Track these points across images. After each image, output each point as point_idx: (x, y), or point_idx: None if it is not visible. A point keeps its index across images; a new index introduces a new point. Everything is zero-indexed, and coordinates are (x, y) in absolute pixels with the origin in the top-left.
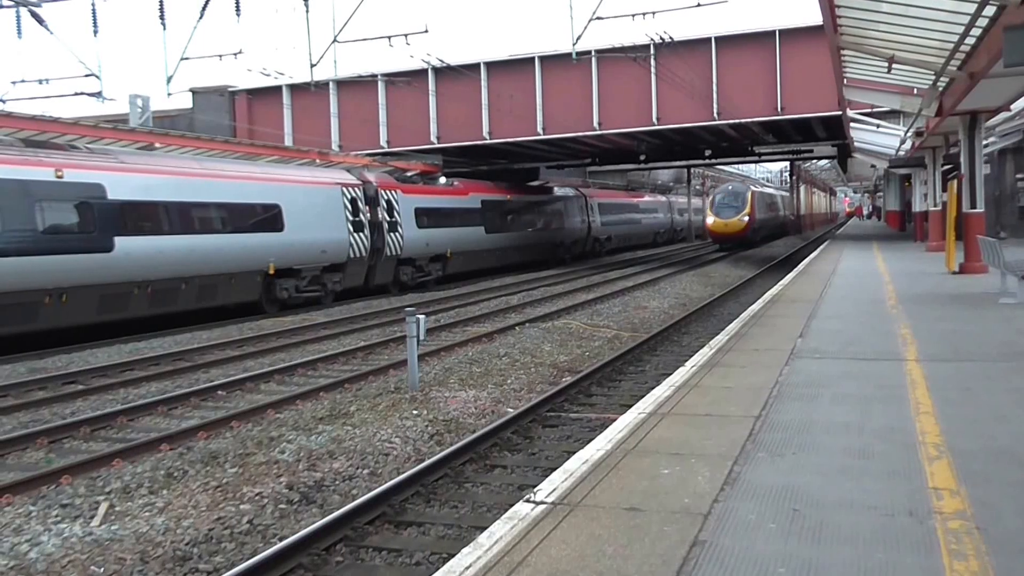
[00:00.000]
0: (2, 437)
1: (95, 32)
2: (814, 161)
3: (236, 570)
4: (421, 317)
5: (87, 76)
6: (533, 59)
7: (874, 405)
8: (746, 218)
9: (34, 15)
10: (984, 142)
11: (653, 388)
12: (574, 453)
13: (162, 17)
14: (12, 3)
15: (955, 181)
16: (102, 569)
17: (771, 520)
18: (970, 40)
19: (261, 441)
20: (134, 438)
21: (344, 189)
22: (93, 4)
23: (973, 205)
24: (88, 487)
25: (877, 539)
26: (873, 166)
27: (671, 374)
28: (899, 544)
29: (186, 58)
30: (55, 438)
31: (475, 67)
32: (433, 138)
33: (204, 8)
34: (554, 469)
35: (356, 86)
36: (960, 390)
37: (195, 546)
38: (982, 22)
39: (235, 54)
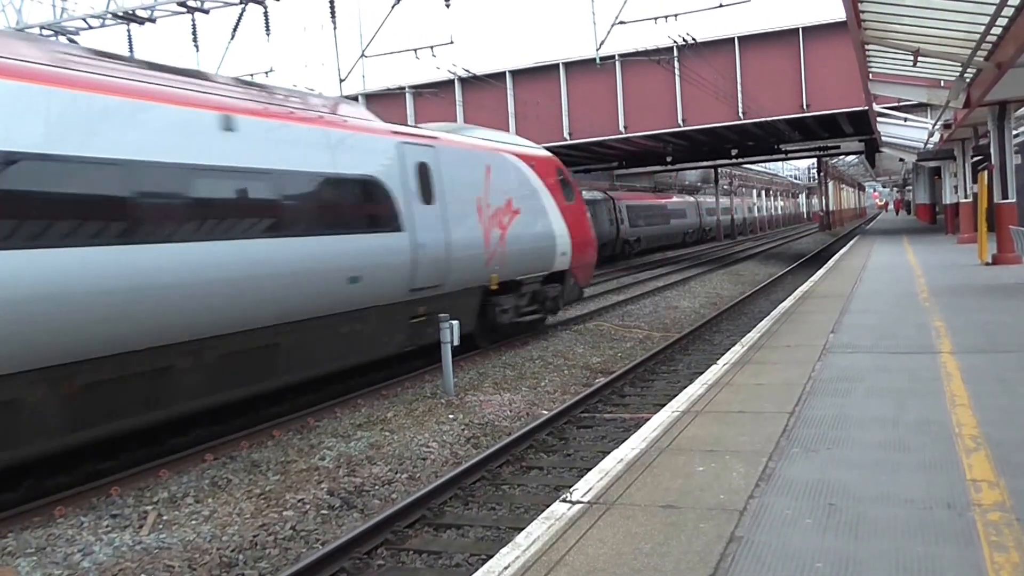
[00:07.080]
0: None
1: (131, 56)
2: (841, 157)
3: None
4: (455, 323)
5: None
6: (558, 65)
7: (909, 398)
8: None
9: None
10: (1014, 132)
11: (686, 387)
12: (609, 453)
13: (195, 39)
14: (51, 31)
15: (985, 172)
16: None
17: (807, 515)
18: (996, 30)
19: (301, 449)
20: (179, 449)
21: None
22: (128, 30)
23: (1005, 196)
24: (136, 497)
25: (916, 532)
26: (901, 160)
27: (703, 372)
28: (938, 537)
29: None
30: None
31: (501, 75)
32: None
33: (235, 28)
34: (589, 469)
35: (384, 99)
36: (996, 381)
37: (240, 552)
38: (1008, 11)
39: (266, 72)
